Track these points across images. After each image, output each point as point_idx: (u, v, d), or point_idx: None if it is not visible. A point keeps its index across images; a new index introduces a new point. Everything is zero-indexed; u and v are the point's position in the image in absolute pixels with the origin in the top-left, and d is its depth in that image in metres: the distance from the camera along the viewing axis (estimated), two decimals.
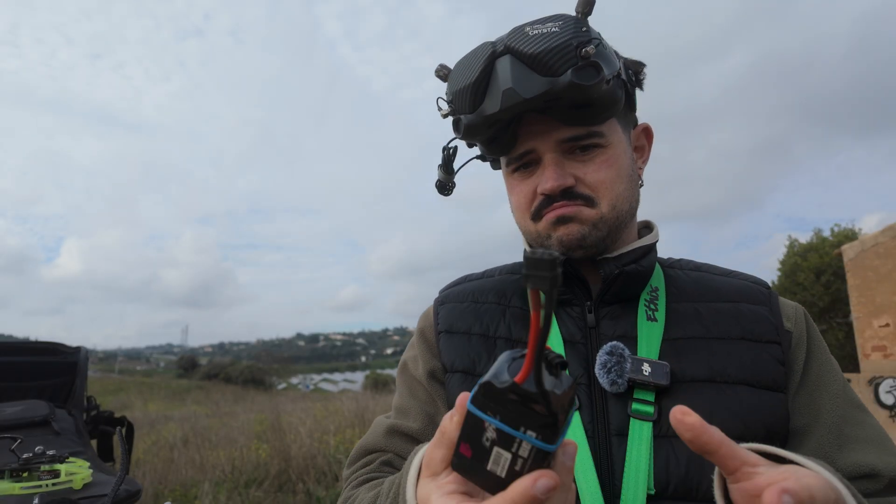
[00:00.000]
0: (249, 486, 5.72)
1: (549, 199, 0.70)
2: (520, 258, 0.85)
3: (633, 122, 0.79)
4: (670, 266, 0.81)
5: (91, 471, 1.04)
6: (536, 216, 0.73)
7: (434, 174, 0.82)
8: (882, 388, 10.57)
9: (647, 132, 0.80)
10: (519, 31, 0.65)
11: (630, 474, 0.62)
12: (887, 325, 12.80)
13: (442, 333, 0.80)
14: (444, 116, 0.73)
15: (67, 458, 1.04)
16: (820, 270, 18.11)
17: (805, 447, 0.65)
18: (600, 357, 0.67)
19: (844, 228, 19.49)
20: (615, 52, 0.72)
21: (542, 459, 0.37)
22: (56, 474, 0.98)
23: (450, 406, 0.75)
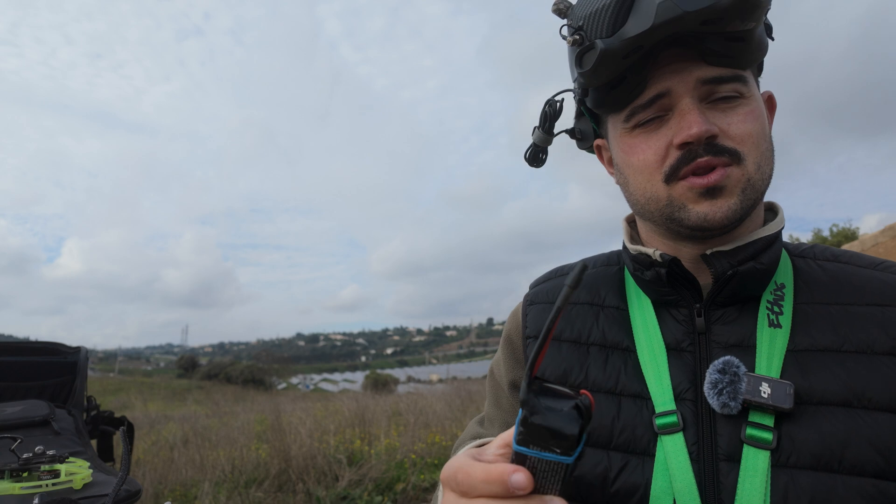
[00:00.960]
0: (249, 485, 5.73)
1: (691, 153, 0.59)
2: (598, 250, 0.79)
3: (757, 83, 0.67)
4: (801, 255, 0.69)
5: (91, 471, 1.04)
6: (672, 176, 0.61)
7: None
8: None
9: (772, 101, 0.69)
10: None
11: None
12: None
13: (530, 339, 0.73)
14: (571, 45, 0.62)
15: (67, 458, 1.04)
16: None
17: None
18: (710, 375, 0.59)
19: (843, 228, 19.50)
20: None
21: (558, 471, 0.39)
22: (56, 474, 0.98)
23: None
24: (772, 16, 0.65)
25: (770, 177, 0.63)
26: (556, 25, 0.67)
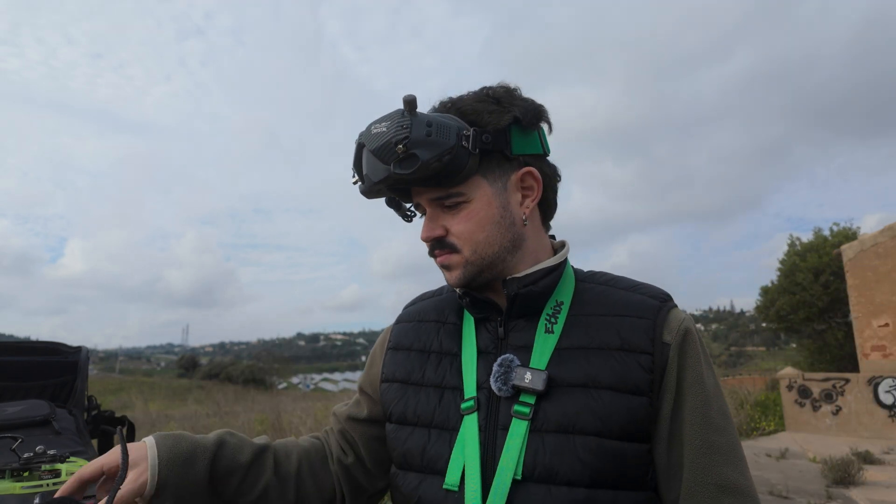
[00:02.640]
0: None
1: (431, 246, 0.87)
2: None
3: (516, 167, 0.86)
4: (583, 280, 0.91)
5: None
6: (431, 254, 0.89)
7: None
8: (881, 388, 10.55)
9: (532, 175, 0.88)
10: (368, 128, 0.80)
11: (504, 462, 0.76)
12: (886, 324, 12.80)
13: (389, 350, 0.97)
14: (354, 183, 0.88)
15: (68, 457, 1.05)
16: (819, 270, 18.10)
17: (676, 453, 0.78)
18: (493, 367, 0.81)
19: (844, 228, 19.47)
20: (512, 103, 0.84)
21: None
22: (57, 474, 0.99)
23: (379, 411, 0.95)
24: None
25: (499, 250, 0.85)
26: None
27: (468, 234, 0.84)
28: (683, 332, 0.81)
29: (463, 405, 0.83)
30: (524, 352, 0.83)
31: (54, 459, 1.01)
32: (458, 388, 0.85)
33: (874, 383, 10.73)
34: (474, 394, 0.82)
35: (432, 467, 0.82)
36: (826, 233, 19.57)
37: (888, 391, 10.62)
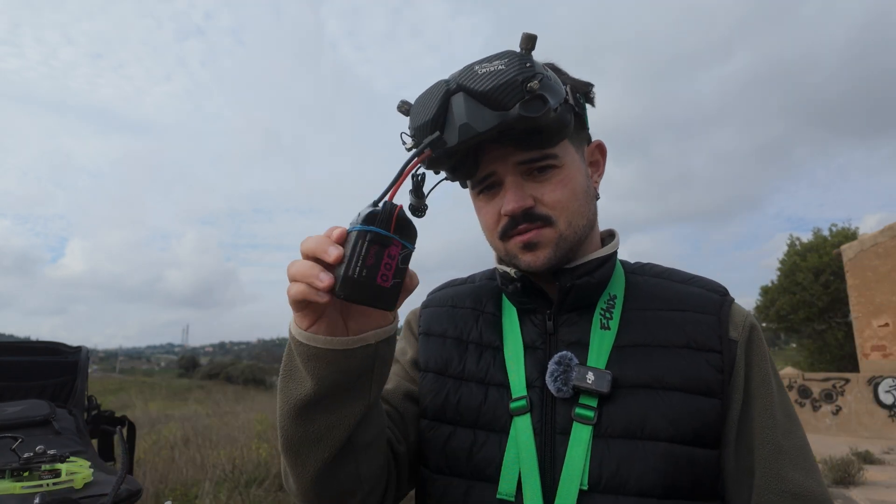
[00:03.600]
0: (250, 485, 5.73)
1: (514, 221, 0.76)
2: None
3: (587, 139, 0.84)
4: (634, 272, 0.86)
5: (92, 470, 1.04)
6: (504, 236, 0.79)
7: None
8: (881, 388, 10.55)
9: (601, 148, 0.85)
10: (469, 69, 0.70)
11: (568, 472, 0.70)
12: (886, 324, 12.80)
13: (421, 335, 0.88)
14: (409, 150, 0.76)
15: (68, 457, 1.05)
16: (819, 270, 18.11)
17: (745, 458, 0.73)
18: (550, 366, 0.75)
19: (843, 228, 19.48)
20: (567, 76, 0.79)
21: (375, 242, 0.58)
22: (57, 474, 0.98)
23: (418, 405, 0.84)
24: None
25: (587, 223, 0.79)
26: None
27: (564, 203, 0.76)
28: (749, 328, 0.77)
29: (513, 405, 0.75)
30: (578, 349, 0.76)
31: (54, 459, 1.01)
32: (504, 386, 0.78)
33: (874, 383, 10.73)
34: (524, 392, 0.76)
35: (481, 473, 0.74)
36: (826, 233, 19.58)
37: (888, 391, 10.62)
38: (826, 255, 17.91)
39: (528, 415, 0.74)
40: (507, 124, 0.67)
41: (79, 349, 1.51)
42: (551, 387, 0.74)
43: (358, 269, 0.56)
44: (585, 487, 0.68)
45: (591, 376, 0.72)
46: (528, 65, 0.68)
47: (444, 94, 0.70)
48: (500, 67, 0.68)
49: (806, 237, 20.32)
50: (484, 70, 0.68)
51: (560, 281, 0.78)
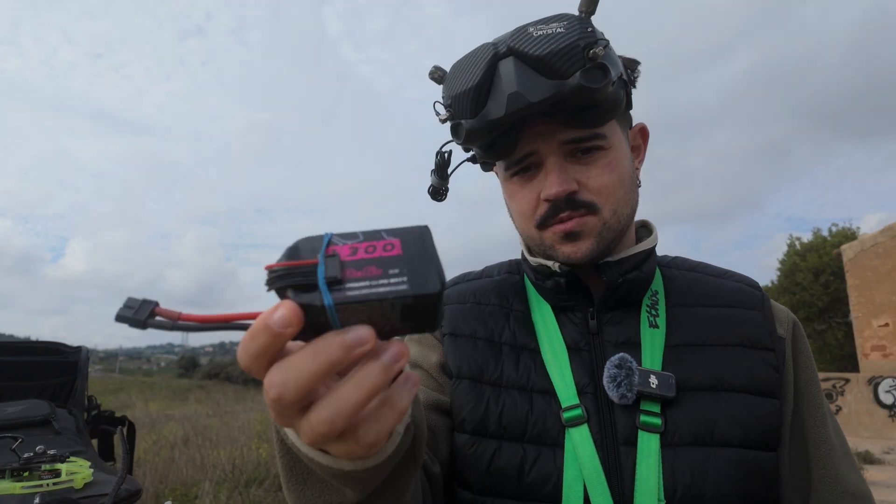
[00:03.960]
0: (250, 485, 5.73)
1: (555, 208, 0.69)
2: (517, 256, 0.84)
3: (630, 121, 0.77)
4: (667, 266, 0.80)
5: (92, 470, 1.04)
6: (542, 225, 0.71)
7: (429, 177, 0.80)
8: (881, 388, 10.55)
9: (644, 132, 0.79)
10: (522, 31, 0.63)
11: (642, 486, 0.62)
12: (886, 324, 12.80)
13: (447, 336, 0.76)
14: (443, 122, 0.71)
15: (68, 457, 1.05)
16: (819, 270, 18.11)
17: (799, 458, 0.69)
18: (609, 370, 0.67)
19: (843, 228, 19.48)
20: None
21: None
22: (57, 474, 0.99)
23: (450, 417, 0.71)
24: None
25: (631, 213, 0.73)
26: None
27: (610, 189, 0.69)
28: (793, 324, 0.74)
29: (566, 414, 0.67)
30: (627, 349, 0.69)
31: (54, 459, 1.01)
32: (549, 393, 0.69)
33: (874, 383, 10.73)
34: (576, 400, 0.67)
35: (537, 493, 0.65)
36: (826, 233, 19.58)
37: (888, 391, 10.62)
38: (826, 255, 17.91)
39: (585, 425, 0.66)
40: (563, 95, 0.61)
41: (79, 349, 1.51)
42: (613, 393, 0.66)
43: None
44: (663, 501, 0.62)
45: (654, 380, 0.66)
46: (589, 29, 0.61)
47: (492, 57, 0.63)
48: (558, 30, 0.61)
49: (806, 237, 20.33)
50: (540, 32, 0.61)
51: (606, 275, 0.71)
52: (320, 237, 0.35)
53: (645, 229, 0.82)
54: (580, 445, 0.65)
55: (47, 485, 0.96)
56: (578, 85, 0.60)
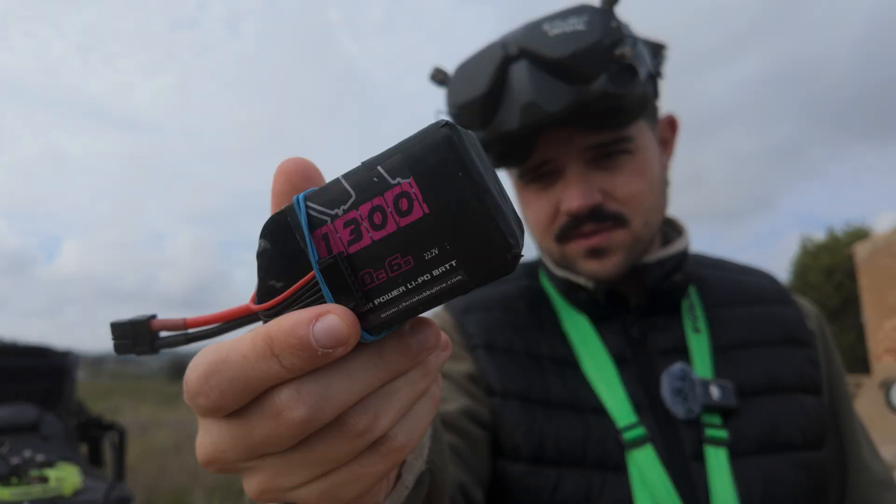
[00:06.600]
0: (243, 493, 5.67)
1: (576, 220, 0.62)
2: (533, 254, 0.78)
3: (657, 114, 0.69)
4: (695, 264, 0.74)
5: (81, 477, 1.02)
6: (562, 238, 0.64)
7: None
8: (894, 392, 10.52)
9: (672, 124, 0.72)
10: (536, 29, 0.56)
11: (717, 503, 0.57)
12: None
13: (480, 349, 0.66)
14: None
15: (56, 463, 1.02)
16: (831, 270, 18.06)
17: (837, 453, 0.66)
18: (672, 383, 0.61)
19: (857, 227, 19.39)
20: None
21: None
22: (45, 480, 0.96)
23: (492, 434, 0.62)
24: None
25: (661, 218, 0.67)
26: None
27: (640, 198, 0.62)
28: (818, 318, 0.72)
29: (627, 435, 0.60)
30: (676, 357, 0.64)
31: (42, 465, 0.99)
32: (600, 411, 0.62)
33: (886, 386, 10.72)
34: (634, 419, 0.60)
35: None
36: (839, 232, 19.55)
37: None
38: (838, 255, 17.78)
39: (649, 444, 0.59)
40: (585, 103, 0.54)
41: (66, 353, 1.49)
42: (678, 408, 0.60)
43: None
44: None
45: (715, 390, 0.61)
46: (613, 24, 0.55)
47: (502, 61, 0.57)
48: (578, 27, 0.54)
49: (819, 236, 20.21)
50: (557, 30, 0.55)
51: (647, 280, 0.65)
52: (292, 210, 0.22)
53: (670, 227, 0.75)
54: (647, 468, 0.58)
55: (36, 491, 0.93)
56: (604, 91, 0.54)
